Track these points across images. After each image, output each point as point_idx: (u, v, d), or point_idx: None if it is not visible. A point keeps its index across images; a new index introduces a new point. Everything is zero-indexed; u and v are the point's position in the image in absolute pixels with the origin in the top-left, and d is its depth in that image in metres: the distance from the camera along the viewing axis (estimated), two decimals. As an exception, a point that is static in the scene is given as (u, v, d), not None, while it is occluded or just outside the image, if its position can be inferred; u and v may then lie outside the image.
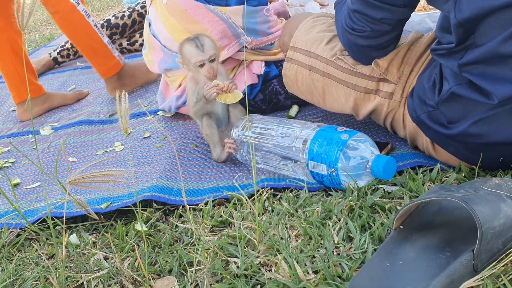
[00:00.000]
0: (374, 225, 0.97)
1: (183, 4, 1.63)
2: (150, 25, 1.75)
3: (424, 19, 1.84)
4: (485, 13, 0.95)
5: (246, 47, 1.63)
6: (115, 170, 0.93)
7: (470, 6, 0.95)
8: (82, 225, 1.23)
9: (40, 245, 1.18)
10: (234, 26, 1.61)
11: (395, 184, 1.10)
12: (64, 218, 1.07)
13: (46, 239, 1.19)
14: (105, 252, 1.09)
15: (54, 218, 1.19)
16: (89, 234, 1.19)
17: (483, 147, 1.04)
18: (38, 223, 1.23)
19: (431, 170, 1.13)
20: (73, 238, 1.16)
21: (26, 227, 1.21)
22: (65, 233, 1.05)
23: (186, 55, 1.38)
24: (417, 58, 1.20)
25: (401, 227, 0.90)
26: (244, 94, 1.42)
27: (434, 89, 1.09)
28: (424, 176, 1.11)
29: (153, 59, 1.75)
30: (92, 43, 2.04)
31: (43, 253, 1.12)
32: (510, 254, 0.82)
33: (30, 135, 1.95)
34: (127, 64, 2.14)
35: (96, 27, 2.04)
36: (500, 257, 0.81)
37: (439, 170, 1.11)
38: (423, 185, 1.08)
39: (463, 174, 1.08)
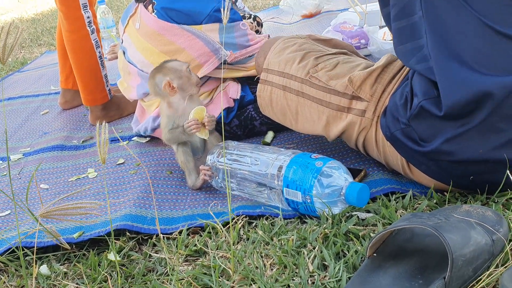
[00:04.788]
0: (349, 252, 0.97)
1: (156, 26, 1.61)
2: (124, 53, 1.74)
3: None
4: None
5: (225, 62, 1.62)
6: (88, 202, 0.92)
7: None
8: (53, 255, 1.20)
9: (8, 277, 1.14)
10: (211, 42, 1.60)
11: (368, 211, 1.11)
12: (35, 249, 1.04)
13: (15, 270, 1.16)
14: (77, 283, 1.06)
15: (25, 248, 1.16)
16: (60, 265, 1.16)
17: (453, 165, 1.06)
18: (7, 254, 1.20)
19: (403, 197, 1.15)
20: (44, 269, 1.13)
21: (-6, 258, 1.18)
22: (36, 264, 1.03)
23: (171, 71, 1.40)
24: (390, 79, 1.22)
25: (375, 254, 0.90)
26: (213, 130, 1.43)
27: (406, 106, 1.11)
28: (396, 203, 1.13)
29: (130, 85, 1.74)
30: (90, 72, 2.06)
31: (11, 285, 1.09)
32: (481, 281, 0.83)
33: (1, 161, 1.91)
34: (114, 96, 2.14)
35: (100, 59, 2.07)
36: (471, 284, 0.83)
37: (411, 197, 1.13)
38: (396, 212, 1.09)
39: (434, 201, 1.10)
